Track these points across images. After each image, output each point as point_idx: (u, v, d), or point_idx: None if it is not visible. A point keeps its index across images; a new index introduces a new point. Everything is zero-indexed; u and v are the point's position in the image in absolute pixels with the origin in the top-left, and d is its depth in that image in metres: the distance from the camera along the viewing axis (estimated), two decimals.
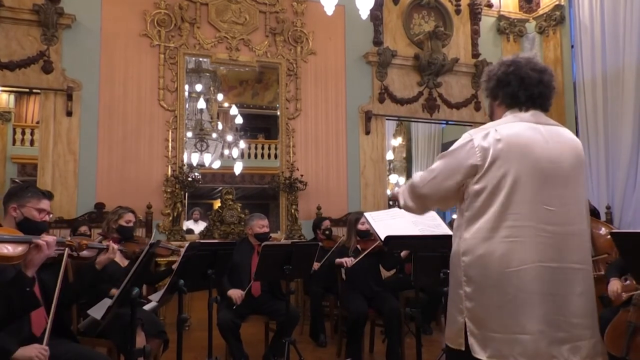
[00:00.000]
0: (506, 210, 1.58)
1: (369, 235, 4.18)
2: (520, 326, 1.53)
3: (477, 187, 1.63)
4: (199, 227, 7.20)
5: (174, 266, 3.36)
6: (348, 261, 3.97)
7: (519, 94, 1.71)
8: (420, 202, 1.81)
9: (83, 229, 4.78)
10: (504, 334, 1.54)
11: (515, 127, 1.66)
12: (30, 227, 2.24)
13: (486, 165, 1.61)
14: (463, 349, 1.61)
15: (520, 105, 1.72)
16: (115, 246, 2.76)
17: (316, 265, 4.41)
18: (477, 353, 1.57)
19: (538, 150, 1.62)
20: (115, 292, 2.50)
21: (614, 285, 3.11)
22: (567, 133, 1.75)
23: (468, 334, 1.59)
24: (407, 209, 1.84)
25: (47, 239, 2.12)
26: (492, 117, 1.84)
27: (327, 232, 5.35)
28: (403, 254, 3.98)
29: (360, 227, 4.19)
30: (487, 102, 1.83)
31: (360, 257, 3.99)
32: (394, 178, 10.70)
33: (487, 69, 1.83)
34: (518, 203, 1.58)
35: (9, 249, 2.01)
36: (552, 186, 1.61)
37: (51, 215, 2.60)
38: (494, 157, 1.60)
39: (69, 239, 2.43)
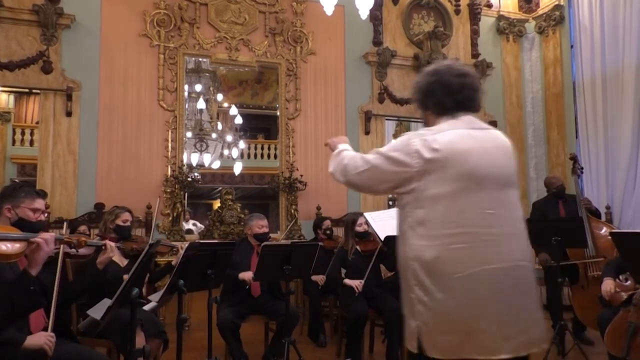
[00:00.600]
0: (448, 217, 1.61)
1: (367, 236, 4.17)
2: (472, 326, 1.57)
3: (418, 194, 1.65)
4: (188, 226, 7.23)
5: (174, 262, 3.37)
6: (358, 285, 3.92)
7: (444, 101, 1.74)
8: (345, 181, 1.82)
9: (82, 228, 4.78)
10: (456, 336, 1.58)
11: (451, 135, 1.67)
12: (25, 228, 2.22)
13: (426, 173, 1.63)
14: (416, 351, 1.65)
15: (448, 111, 1.74)
16: (112, 244, 2.75)
17: (321, 279, 4.40)
18: (433, 354, 1.61)
19: (475, 157, 1.65)
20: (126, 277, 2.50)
21: (608, 286, 3.11)
22: (499, 136, 1.79)
23: (421, 336, 1.62)
24: (332, 175, 1.86)
25: (45, 236, 2.11)
26: (426, 126, 1.86)
27: (327, 232, 5.34)
28: None
29: (357, 228, 4.17)
30: (420, 113, 1.87)
31: (367, 273, 3.96)
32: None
33: (415, 81, 1.87)
34: (460, 210, 1.61)
35: (8, 247, 2.00)
36: (490, 190, 1.64)
37: (46, 215, 2.60)
38: (433, 165, 1.62)
39: (67, 236, 2.43)
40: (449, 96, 1.74)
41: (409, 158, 1.64)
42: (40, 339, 2.10)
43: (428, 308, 1.61)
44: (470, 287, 1.58)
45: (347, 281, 4.01)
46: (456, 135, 1.68)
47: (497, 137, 1.77)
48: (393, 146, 1.72)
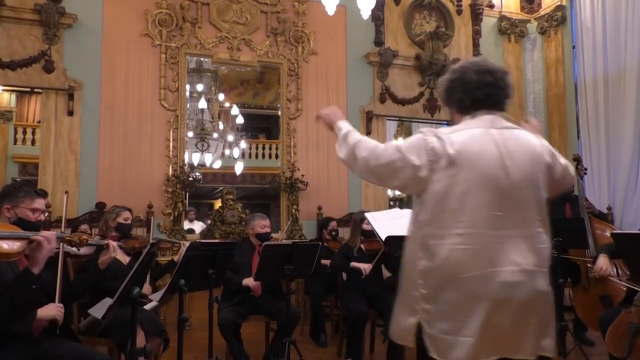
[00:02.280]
0: (458, 217, 1.59)
1: (373, 235, 4.17)
2: (468, 329, 1.56)
3: (429, 192, 1.63)
4: (193, 226, 7.22)
5: (176, 259, 3.38)
6: (367, 268, 3.92)
7: (463, 98, 1.72)
8: (362, 172, 1.74)
9: (83, 227, 4.78)
10: (451, 336, 1.57)
11: (466, 135, 1.65)
12: (24, 228, 2.20)
13: (437, 172, 1.61)
14: (412, 346, 1.66)
15: (467, 109, 1.72)
16: (115, 243, 2.75)
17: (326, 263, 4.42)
18: (431, 353, 1.61)
19: (489, 157, 1.62)
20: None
21: (604, 263, 3.09)
22: (524, 136, 1.73)
23: (423, 335, 1.62)
24: (345, 162, 1.79)
25: (46, 234, 2.10)
26: (453, 125, 1.83)
27: (333, 233, 5.37)
28: None
29: (365, 226, 4.16)
30: (446, 109, 1.87)
31: (374, 262, 3.97)
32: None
33: (441, 77, 1.85)
34: (469, 211, 1.59)
35: (9, 244, 2.00)
36: (502, 192, 1.61)
37: (47, 214, 2.60)
38: (445, 164, 1.60)
39: (69, 235, 2.43)
40: (467, 94, 1.71)
41: (423, 157, 1.62)
42: (52, 310, 2.19)
43: (433, 307, 1.61)
44: (474, 289, 1.57)
45: (354, 264, 4.00)
46: (471, 134, 1.65)
47: (521, 137, 1.71)
48: (410, 143, 1.68)
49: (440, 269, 1.60)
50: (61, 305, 2.22)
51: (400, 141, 1.78)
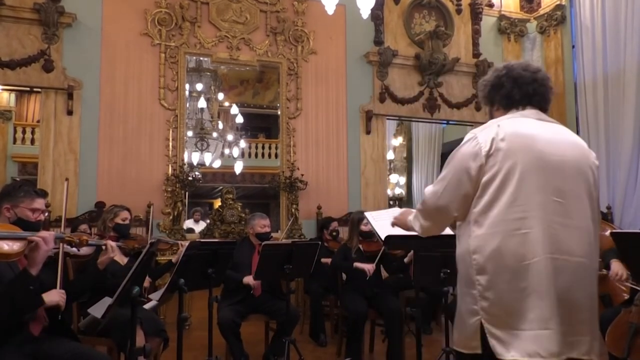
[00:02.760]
0: (515, 202, 1.55)
1: (372, 236, 4.16)
2: (542, 321, 1.49)
3: (484, 180, 1.60)
4: (199, 227, 7.21)
5: (175, 260, 3.38)
6: (370, 269, 3.90)
7: (513, 92, 1.72)
8: (438, 217, 1.74)
9: (83, 227, 4.78)
10: (528, 331, 1.50)
11: (517, 122, 1.66)
12: (24, 228, 2.19)
13: (491, 160, 1.59)
14: (480, 351, 1.56)
15: (516, 104, 1.72)
16: (113, 244, 2.75)
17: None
18: (501, 355, 1.51)
19: (542, 143, 1.61)
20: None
21: (619, 268, 3.05)
22: (568, 131, 1.75)
23: (487, 335, 1.54)
24: (425, 231, 1.78)
25: (43, 235, 2.08)
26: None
27: (334, 234, 5.37)
28: (407, 259, 3.94)
29: (363, 227, 4.15)
30: (487, 110, 1.85)
31: (375, 261, 3.96)
32: (394, 178, 10.69)
33: (482, 79, 1.85)
34: (526, 195, 1.55)
35: (8, 245, 1.99)
36: (558, 179, 1.59)
37: (47, 214, 2.58)
38: (498, 151, 1.59)
39: (68, 235, 2.42)
40: (518, 88, 1.71)
41: (477, 149, 1.62)
42: (55, 296, 2.20)
43: (494, 302, 1.54)
44: (536, 276, 1.51)
45: (358, 265, 3.98)
46: (521, 120, 1.67)
47: (567, 131, 1.74)
48: (457, 148, 1.69)
49: (497, 258, 1.54)
50: (63, 291, 2.23)
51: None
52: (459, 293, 1.70)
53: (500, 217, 1.56)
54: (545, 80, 1.74)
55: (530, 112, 1.71)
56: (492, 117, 1.81)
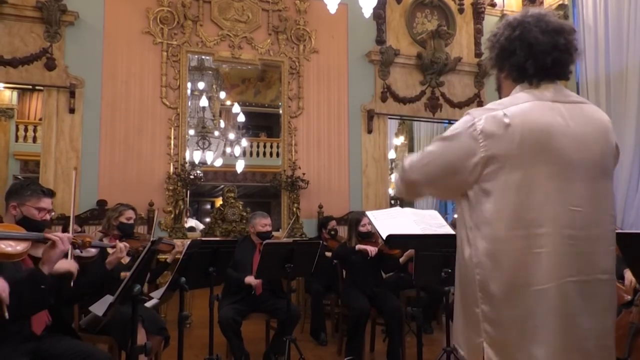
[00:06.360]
0: (524, 215, 1.28)
1: (370, 236, 4.16)
2: (547, 354, 1.27)
3: (484, 185, 1.32)
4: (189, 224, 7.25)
5: (169, 260, 3.38)
6: (373, 251, 3.91)
7: (526, 65, 1.37)
8: (409, 188, 1.54)
9: (74, 227, 4.75)
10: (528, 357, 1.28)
11: (529, 108, 1.33)
12: (29, 226, 2.19)
13: (495, 158, 1.30)
14: None
15: (529, 78, 1.38)
16: (122, 244, 2.76)
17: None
18: None
19: (560, 137, 1.31)
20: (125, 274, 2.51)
21: (632, 276, 3.04)
22: (594, 112, 1.43)
23: (492, 357, 1.32)
24: (398, 192, 1.61)
25: (60, 235, 2.11)
26: (499, 91, 1.52)
27: (332, 233, 5.38)
28: (402, 259, 3.95)
29: (361, 228, 4.14)
30: (494, 72, 1.51)
31: (377, 248, 3.96)
32: (395, 177, 10.68)
33: (492, 32, 1.47)
34: (538, 206, 1.28)
35: (11, 246, 2.00)
36: (579, 180, 1.31)
37: (53, 214, 2.59)
38: (504, 147, 1.29)
39: (73, 236, 2.42)
40: (532, 60, 1.36)
41: (473, 141, 1.31)
42: (66, 263, 2.22)
43: (498, 328, 1.31)
44: (548, 304, 1.27)
45: (360, 246, 3.99)
46: (534, 106, 1.33)
47: (591, 114, 1.41)
48: (453, 127, 1.39)
49: (503, 279, 1.29)
50: (73, 260, 2.25)
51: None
52: (462, 306, 1.45)
53: (506, 231, 1.30)
54: (568, 45, 1.38)
55: (545, 90, 1.37)
56: (499, 82, 1.51)
